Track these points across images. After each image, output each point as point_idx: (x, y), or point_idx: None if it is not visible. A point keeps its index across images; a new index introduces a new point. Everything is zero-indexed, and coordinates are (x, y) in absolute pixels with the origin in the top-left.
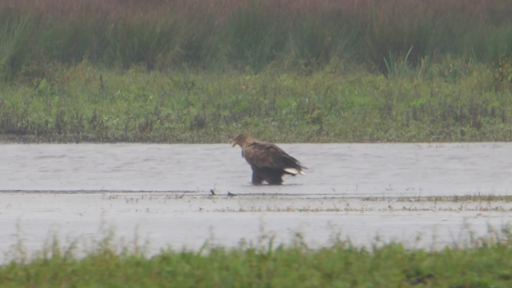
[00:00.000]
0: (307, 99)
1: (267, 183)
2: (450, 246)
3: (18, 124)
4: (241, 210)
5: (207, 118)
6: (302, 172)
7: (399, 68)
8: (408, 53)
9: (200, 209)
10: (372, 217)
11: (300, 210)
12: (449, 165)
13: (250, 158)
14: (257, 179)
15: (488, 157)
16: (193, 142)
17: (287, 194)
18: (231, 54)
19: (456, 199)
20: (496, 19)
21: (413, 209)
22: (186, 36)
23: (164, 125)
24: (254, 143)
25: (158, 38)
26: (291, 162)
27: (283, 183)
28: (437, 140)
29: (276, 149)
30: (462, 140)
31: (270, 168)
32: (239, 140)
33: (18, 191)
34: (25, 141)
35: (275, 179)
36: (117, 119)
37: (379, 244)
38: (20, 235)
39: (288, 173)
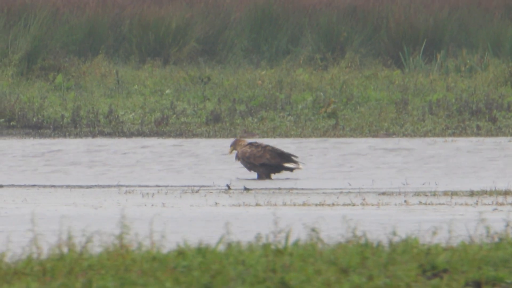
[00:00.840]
0: (322, 94)
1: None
2: (466, 241)
3: (34, 119)
4: (257, 204)
5: (223, 113)
6: (300, 166)
7: (415, 63)
8: (423, 46)
9: (216, 203)
10: (388, 211)
11: (316, 205)
12: (465, 159)
13: (247, 157)
14: (255, 170)
15: (503, 151)
16: (209, 136)
17: (303, 189)
18: (247, 49)
19: (472, 193)
20: None
21: (429, 204)
22: (202, 31)
23: (180, 119)
24: (250, 143)
25: (174, 33)
26: (288, 157)
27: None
28: (453, 134)
29: (273, 147)
30: (477, 134)
31: (268, 164)
32: (235, 145)
33: (34, 185)
34: (41, 136)
35: (269, 175)
36: (133, 114)
37: (395, 239)
38: (36, 230)
39: (286, 168)
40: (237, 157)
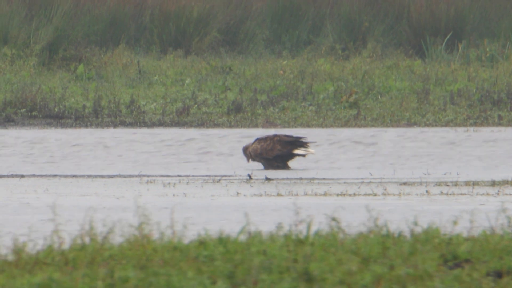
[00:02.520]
0: (344, 84)
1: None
2: (487, 231)
3: (56, 109)
4: (278, 194)
5: (244, 103)
6: (310, 150)
7: (437, 53)
8: (447, 38)
9: (238, 193)
10: (409, 201)
11: (338, 195)
12: (487, 149)
13: (259, 154)
14: (269, 166)
15: None
16: (230, 126)
17: (324, 179)
18: (268, 39)
19: (493, 183)
20: None
21: (450, 194)
22: (223, 21)
23: (201, 109)
24: (257, 139)
25: (195, 23)
26: (299, 143)
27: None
28: (474, 124)
29: (280, 136)
30: (499, 124)
31: (280, 155)
32: (245, 151)
33: (55, 175)
34: (63, 125)
35: (286, 163)
36: (155, 104)
37: (417, 229)
38: (57, 220)
39: (298, 154)
40: (249, 157)
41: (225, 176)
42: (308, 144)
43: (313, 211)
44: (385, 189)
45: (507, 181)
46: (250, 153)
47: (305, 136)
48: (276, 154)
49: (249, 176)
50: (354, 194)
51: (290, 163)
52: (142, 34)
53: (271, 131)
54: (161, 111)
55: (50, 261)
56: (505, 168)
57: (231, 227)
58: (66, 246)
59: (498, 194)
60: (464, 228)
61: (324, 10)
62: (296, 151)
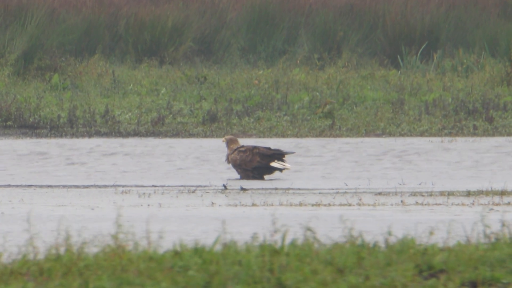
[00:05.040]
0: (319, 94)
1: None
2: (462, 241)
3: (31, 119)
4: (253, 204)
5: (219, 113)
6: (287, 165)
7: (412, 63)
8: (422, 48)
9: (213, 203)
10: (384, 212)
11: (313, 205)
12: (461, 159)
13: (238, 165)
14: (245, 176)
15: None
16: (205, 136)
17: (299, 189)
18: (244, 48)
19: (468, 194)
20: (509, 14)
21: (425, 204)
22: (198, 30)
23: (176, 119)
24: (237, 149)
25: (170, 32)
26: (278, 156)
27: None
28: (450, 134)
29: (259, 148)
30: (474, 134)
31: (260, 166)
32: (229, 142)
33: (30, 186)
34: (38, 136)
35: (263, 175)
36: (130, 114)
37: (392, 239)
38: (32, 230)
39: (276, 168)
40: (228, 161)
41: (200, 186)
42: (286, 161)
43: (289, 221)
44: (360, 199)
45: (482, 191)
46: (228, 159)
47: (284, 150)
48: (255, 166)
49: (224, 186)
50: (329, 204)
51: (269, 177)
52: (117, 44)
53: (246, 141)
54: (136, 121)
55: (25, 271)
56: (480, 178)
57: (206, 237)
58: (41, 256)
59: (473, 204)
60: (439, 239)
61: (299, 20)
62: (274, 164)
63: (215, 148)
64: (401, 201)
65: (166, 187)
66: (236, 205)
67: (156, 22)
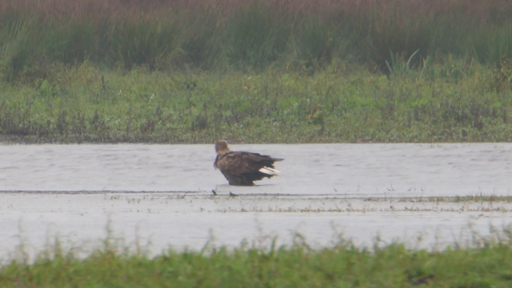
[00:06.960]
0: (308, 100)
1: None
2: (452, 247)
3: (20, 125)
4: (242, 210)
5: (208, 119)
6: (276, 171)
7: (401, 69)
8: (413, 55)
9: (202, 209)
10: (373, 217)
11: (302, 211)
12: (451, 165)
13: (226, 170)
14: (234, 182)
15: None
16: (194, 142)
17: (288, 195)
18: (233, 54)
19: (457, 199)
20: (498, 20)
21: (415, 210)
22: (187, 36)
23: (165, 125)
24: (226, 155)
25: (159, 38)
26: (266, 162)
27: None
28: (439, 140)
29: (248, 154)
30: (463, 140)
31: (248, 172)
32: (219, 146)
33: (19, 191)
34: (27, 141)
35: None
36: (119, 120)
37: (381, 245)
38: (22, 236)
39: (264, 174)
40: (216, 165)
41: (190, 192)
42: (274, 167)
43: (278, 227)
44: (350, 205)
45: (471, 196)
46: (217, 164)
47: (273, 156)
48: (243, 172)
49: (214, 192)
50: (319, 210)
51: (258, 182)
52: (106, 50)
53: (235, 147)
54: (125, 126)
55: (15, 277)
56: (469, 184)
57: (196, 243)
58: (31, 262)
59: (462, 210)
60: (428, 244)
61: (288, 25)
62: (263, 170)
63: (204, 153)
64: (391, 207)
65: (156, 193)
66: (225, 211)
67: (145, 28)
